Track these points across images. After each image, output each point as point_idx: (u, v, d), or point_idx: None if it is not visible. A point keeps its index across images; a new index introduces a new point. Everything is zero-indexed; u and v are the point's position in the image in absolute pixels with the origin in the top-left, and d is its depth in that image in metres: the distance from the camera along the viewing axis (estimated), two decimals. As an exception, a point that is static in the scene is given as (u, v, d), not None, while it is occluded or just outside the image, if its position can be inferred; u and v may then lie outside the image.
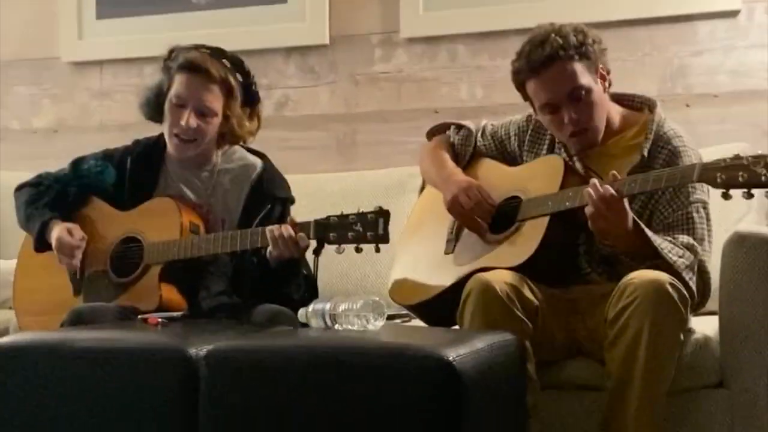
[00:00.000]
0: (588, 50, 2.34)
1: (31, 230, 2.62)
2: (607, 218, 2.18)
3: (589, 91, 2.34)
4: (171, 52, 2.60)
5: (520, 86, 2.41)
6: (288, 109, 3.51)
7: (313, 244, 2.37)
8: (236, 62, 2.57)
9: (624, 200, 2.18)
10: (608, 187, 2.17)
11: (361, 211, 2.33)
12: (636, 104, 2.47)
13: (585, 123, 2.35)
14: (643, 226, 2.23)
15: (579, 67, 2.33)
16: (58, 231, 2.55)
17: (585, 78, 2.34)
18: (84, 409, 1.97)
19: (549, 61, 2.32)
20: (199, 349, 1.92)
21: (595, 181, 2.19)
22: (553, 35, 2.33)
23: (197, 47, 2.57)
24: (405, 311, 2.61)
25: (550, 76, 2.33)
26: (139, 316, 2.36)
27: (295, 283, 2.48)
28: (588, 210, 2.19)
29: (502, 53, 3.17)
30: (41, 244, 2.59)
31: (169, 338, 2.08)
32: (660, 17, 3.10)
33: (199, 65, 2.51)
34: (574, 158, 2.42)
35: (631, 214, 2.20)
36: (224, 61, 2.54)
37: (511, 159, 2.57)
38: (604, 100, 2.39)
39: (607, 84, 2.40)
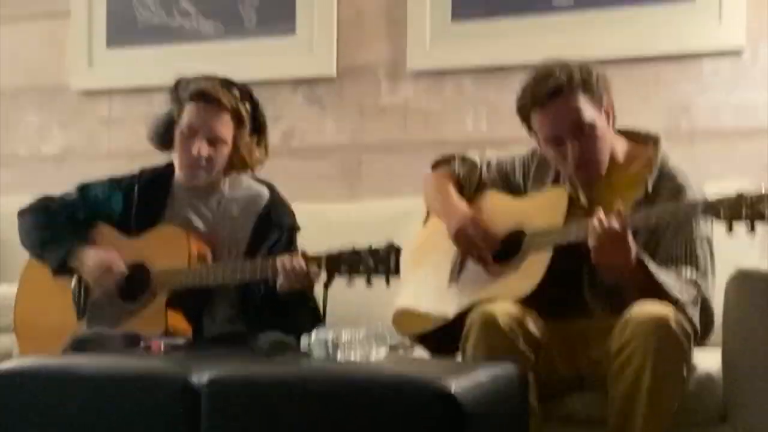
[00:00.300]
0: (593, 85, 2.36)
1: (48, 254, 2.61)
2: (611, 253, 2.18)
3: (593, 125, 2.35)
4: (178, 82, 2.62)
5: (525, 119, 2.43)
6: (295, 139, 3.54)
7: (324, 276, 2.38)
8: (245, 91, 2.60)
9: (628, 235, 2.19)
10: (613, 221, 2.18)
11: (372, 246, 2.34)
12: (640, 138, 2.48)
13: (589, 157, 2.37)
14: (647, 260, 2.23)
15: (583, 101, 2.35)
16: (93, 254, 2.54)
17: (589, 112, 2.35)
18: (85, 435, 1.97)
19: (554, 94, 2.34)
20: (200, 376, 1.92)
21: (600, 215, 2.19)
22: (558, 69, 2.35)
23: (206, 77, 2.60)
24: (408, 341, 2.61)
25: (554, 109, 2.35)
26: (142, 342, 2.37)
27: (302, 314, 2.48)
28: (591, 244, 2.20)
29: (508, 87, 3.17)
30: (62, 269, 2.59)
31: (171, 365, 2.08)
32: (665, 55, 3.12)
33: (211, 94, 2.54)
34: (579, 191, 2.43)
35: (635, 249, 2.20)
36: (234, 90, 2.57)
37: (515, 191, 2.58)
38: (608, 134, 2.40)
39: (611, 119, 2.41)
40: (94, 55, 3.78)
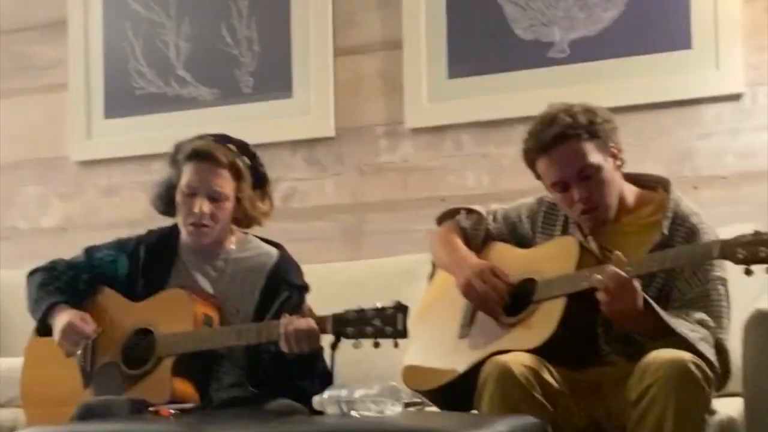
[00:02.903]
0: (597, 129, 2.35)
1: (36, 312, 2.59)
2: (620, 300, 2.16)
3: (599, 169, 2.35)
4: (177, 146, 2.62)
5: (530, 165, 2.42)
6: (295, 200, 3.53)
7: (331, 338, 2.34)
8: (241, 145, 2.59)
9: (634, 281, 2.16)
10: (617, 270, 2.14)
11: (379, 305, 2.30)
12: (650, 183, 2.47)
13: (596, 201, 2.35)
14: (652, 302, 2.20)
15: (588, 146, 2.34)
16: (68, 315, 2.52)
17: (594, 156, 2.34)
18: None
19: (558, 139, 2.33)
20: (213, 439, 1.87)
21: (611, 268, 2.16)
22: (562, 114, 2.35)
23: (201, 137, 2.60)
24: (420, 398, 2.56)
25: (559, 155, 2.35)
26: (150, 408, 2.31)
27: (311, 378, 2.43)
28: (600, 296, 2.17)
29: (507, 141, 3.20)
30: (44, 327, 2.56)
31: (184, 429, 2.03)
32: (666, 102, 3.13)
33: (206, 152, 2.54)
34: (589, 238, 2.41)
35: (641, 293, 2.18)
36: (230, 145, 2.57)
37: (523, 242, 2.56)
38: (616, 177, 2.39)
39: (619, 162, 2.41)
40: (93, 126, 3.79)
